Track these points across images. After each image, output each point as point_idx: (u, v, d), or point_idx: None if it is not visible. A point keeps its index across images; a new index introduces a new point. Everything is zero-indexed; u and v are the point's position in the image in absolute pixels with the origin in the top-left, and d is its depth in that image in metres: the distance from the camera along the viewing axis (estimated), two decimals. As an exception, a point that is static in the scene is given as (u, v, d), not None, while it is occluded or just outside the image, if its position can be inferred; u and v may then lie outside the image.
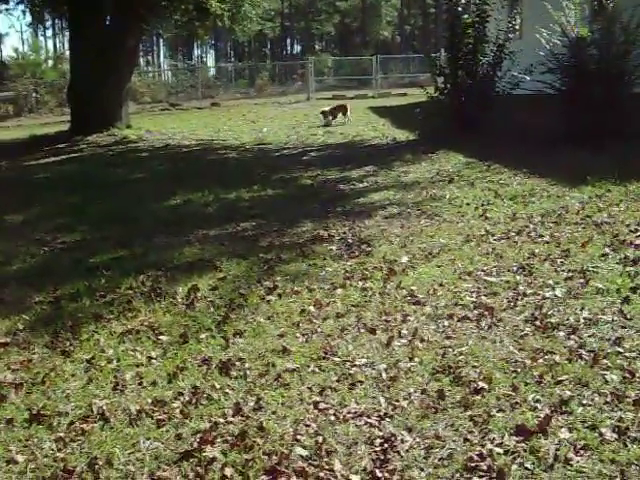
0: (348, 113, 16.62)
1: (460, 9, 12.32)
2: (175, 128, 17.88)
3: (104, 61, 15.17)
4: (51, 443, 3.09)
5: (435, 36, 54.12)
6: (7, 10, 21.83)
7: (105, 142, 15.20)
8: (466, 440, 2.95)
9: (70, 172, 11.70)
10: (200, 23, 19.63)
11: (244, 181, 9.44)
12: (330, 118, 16.31)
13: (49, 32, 62.78)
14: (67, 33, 27.92)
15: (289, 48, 71.79)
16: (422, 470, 2.78)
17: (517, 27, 12.99)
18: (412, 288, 4.82)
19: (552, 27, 10.68)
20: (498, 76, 12.23)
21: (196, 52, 70.09)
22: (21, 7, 24.39)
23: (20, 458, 2.97)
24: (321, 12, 64.25)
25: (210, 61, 70.37)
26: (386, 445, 2.94)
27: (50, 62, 37.33)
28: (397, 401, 3.30)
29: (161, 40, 64.84)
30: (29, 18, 49.53)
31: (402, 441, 2.96)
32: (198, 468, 2.86)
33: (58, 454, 3.01)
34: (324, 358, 3.81)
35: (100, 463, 2.91)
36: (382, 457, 2.87)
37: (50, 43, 61.43)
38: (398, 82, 31.59)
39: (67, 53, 28.56)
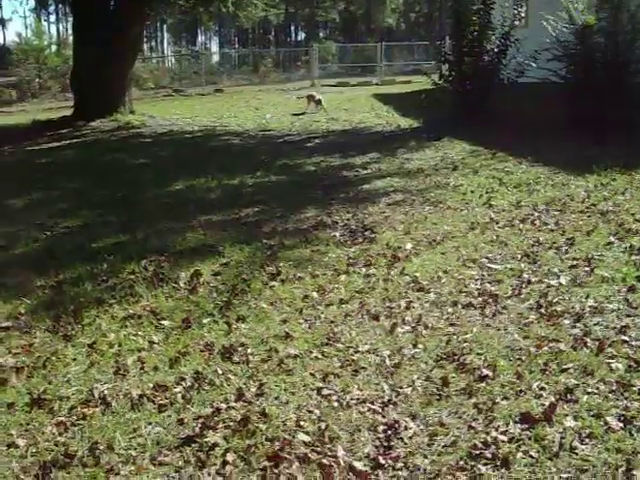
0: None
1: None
2: (178, 114, 17.79)
3: (108, 47, 15.05)
4: (52, 427, 3.06)
5: (440, 23, 53.84)
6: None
7: (108, 128, 15.12)
8: (470, 427, 2.93)
9: (72, 157, 11.66)
10: (204, 9, 19.54)
11: (247, 167, 9.39)
12: (308, 106, 16.75)
13: (52, 17, 62.57)
14: (70, 18, 27.84)
15: (293, 35, 71.48)
16: (426, 457, 2.76)
17: (523, 14, 12.88)
18: (416, 275, 4.80)
19: (559, 14, 10.61)
20: (503, 64, 12.15)
21: (200, 38, 69.90)
22: (24, -8, 24.29)
23: (21, 442, 2.95)
24: (326, -1, 63.91)
25: (214, 47, 70.26)
26: (389, 432, 2.92)
27: (53, 47, 37.18)
28: (401, 388, 3.27)
29: (165, 26, 64.69)
30: (32, 3, 49.45)
31: (406, 428, 2.94)
32: (200, 453, 2.84)
33: (59, 438, 2.99)
34: (327, 344, 3.79)
35: (101, 448, 2.89)
36: (385, 444, 2.85)
37: (53, 28, 61.24)
38: (402, 69, 31.39)
39: (70, 38, 28.46)
